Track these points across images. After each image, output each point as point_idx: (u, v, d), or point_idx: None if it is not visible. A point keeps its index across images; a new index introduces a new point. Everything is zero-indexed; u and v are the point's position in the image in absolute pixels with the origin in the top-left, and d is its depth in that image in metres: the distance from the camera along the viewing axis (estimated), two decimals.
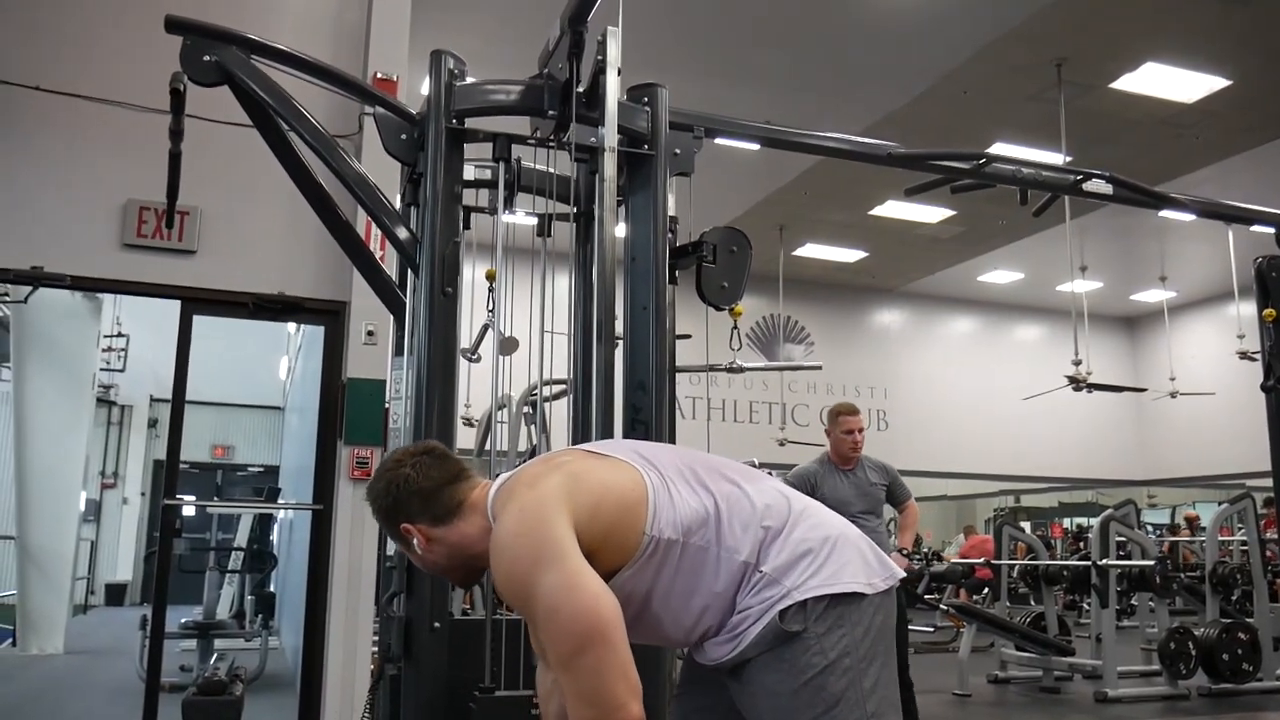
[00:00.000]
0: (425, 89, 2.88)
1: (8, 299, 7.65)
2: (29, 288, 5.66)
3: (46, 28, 5.14)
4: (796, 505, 1.72)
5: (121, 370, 13.12)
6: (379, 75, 5.35)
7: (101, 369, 11.23)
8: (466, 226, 2.99)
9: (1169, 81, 9.38)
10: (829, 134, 3.71)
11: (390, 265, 3.28)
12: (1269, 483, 4.79)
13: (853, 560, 1.67)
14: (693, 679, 1.85)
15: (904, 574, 1.79)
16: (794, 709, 1.61)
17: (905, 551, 4.81)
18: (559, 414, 3.76)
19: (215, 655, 7.22)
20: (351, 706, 4.85)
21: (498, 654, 2.74)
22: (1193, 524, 14.71)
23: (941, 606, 9.25)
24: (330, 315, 5.37)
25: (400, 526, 1.74)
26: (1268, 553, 8.83)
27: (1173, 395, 13.35)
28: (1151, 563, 7.76)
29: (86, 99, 4.99)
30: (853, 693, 1.61)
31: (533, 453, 4.74)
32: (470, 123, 2.90)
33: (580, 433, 3.04)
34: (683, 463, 1.75)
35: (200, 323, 5.20)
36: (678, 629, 1.71)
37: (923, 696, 4.93)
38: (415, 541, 1.74)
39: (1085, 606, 11.16)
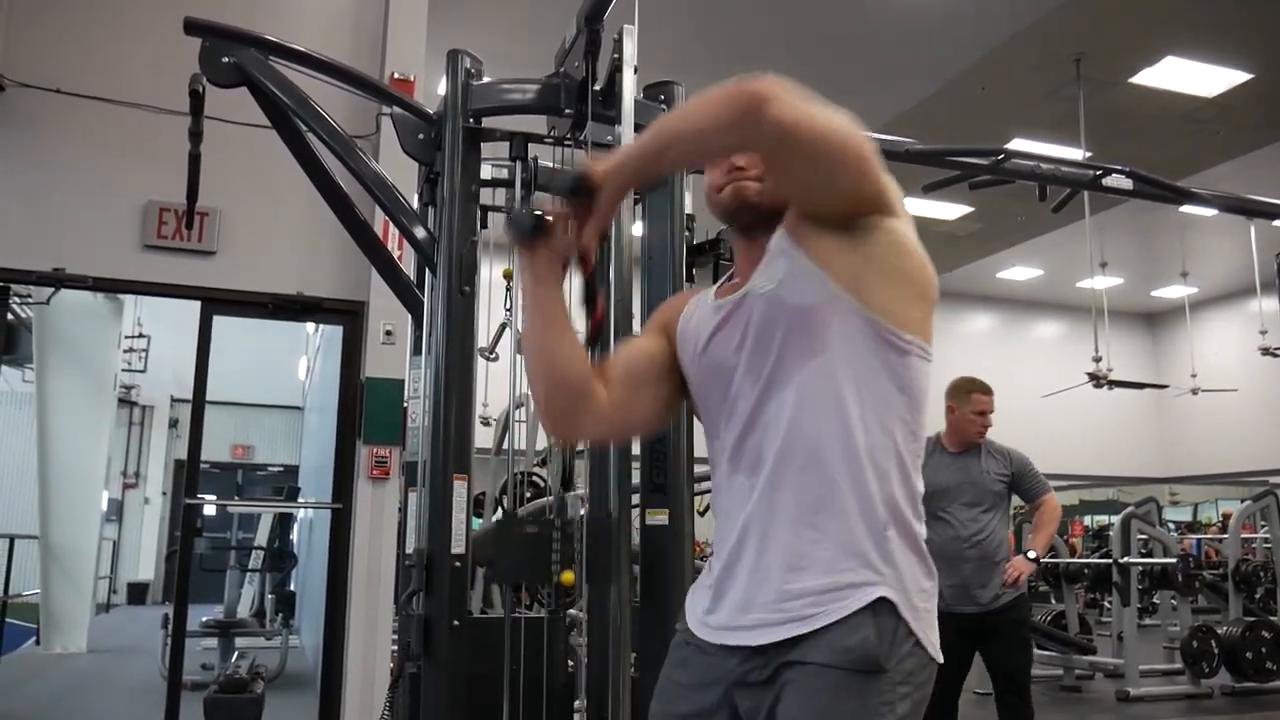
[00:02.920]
0: (442, 89, 2.88)
1: (30, 300, 7.71)
2: (51, 289, 5.71)
3: (66, 32, 5.18)
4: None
5: (142, 371, 13.21)
6: (396, 75, 5.38)
7: (123, 369, 11.32)
8: (484, 225, 2.99)
9: (1189, 76, 9.27)
10: None
11: (408, 265, 3.29)
12: None
13: (936, 617, 1.43)
14: (686, 664, 1.48)
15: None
16: None
17: (1033, 556, 4.01)
18: None
19: (236, 654, 7.26)
20: (371, 704, 4.87)
21: (517, 652, 2.75)
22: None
23: None
24: (349, 315, 5.39)
25: None
26: None
27: (1194, 392, 13.21)
28: (1173, 560, 7.70)
29: (107, 101, 5.03)
30: None
31: (549, 453, 4.74)
32: (487, 122, 2.90)
33: None
34: None
35: (220, 323, 5.23)
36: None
37: None
38: None
39: (1106, 605, 11.09)
